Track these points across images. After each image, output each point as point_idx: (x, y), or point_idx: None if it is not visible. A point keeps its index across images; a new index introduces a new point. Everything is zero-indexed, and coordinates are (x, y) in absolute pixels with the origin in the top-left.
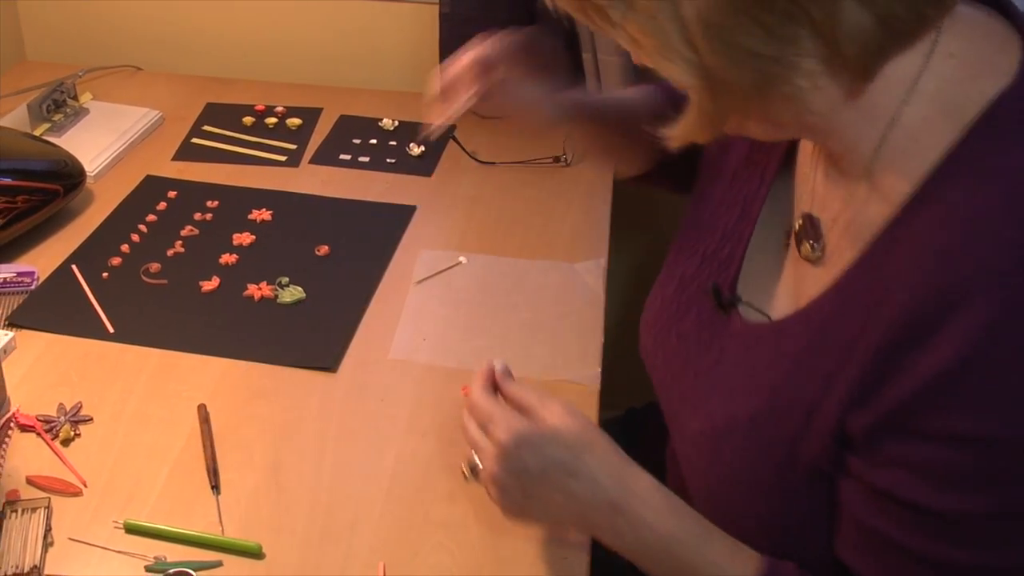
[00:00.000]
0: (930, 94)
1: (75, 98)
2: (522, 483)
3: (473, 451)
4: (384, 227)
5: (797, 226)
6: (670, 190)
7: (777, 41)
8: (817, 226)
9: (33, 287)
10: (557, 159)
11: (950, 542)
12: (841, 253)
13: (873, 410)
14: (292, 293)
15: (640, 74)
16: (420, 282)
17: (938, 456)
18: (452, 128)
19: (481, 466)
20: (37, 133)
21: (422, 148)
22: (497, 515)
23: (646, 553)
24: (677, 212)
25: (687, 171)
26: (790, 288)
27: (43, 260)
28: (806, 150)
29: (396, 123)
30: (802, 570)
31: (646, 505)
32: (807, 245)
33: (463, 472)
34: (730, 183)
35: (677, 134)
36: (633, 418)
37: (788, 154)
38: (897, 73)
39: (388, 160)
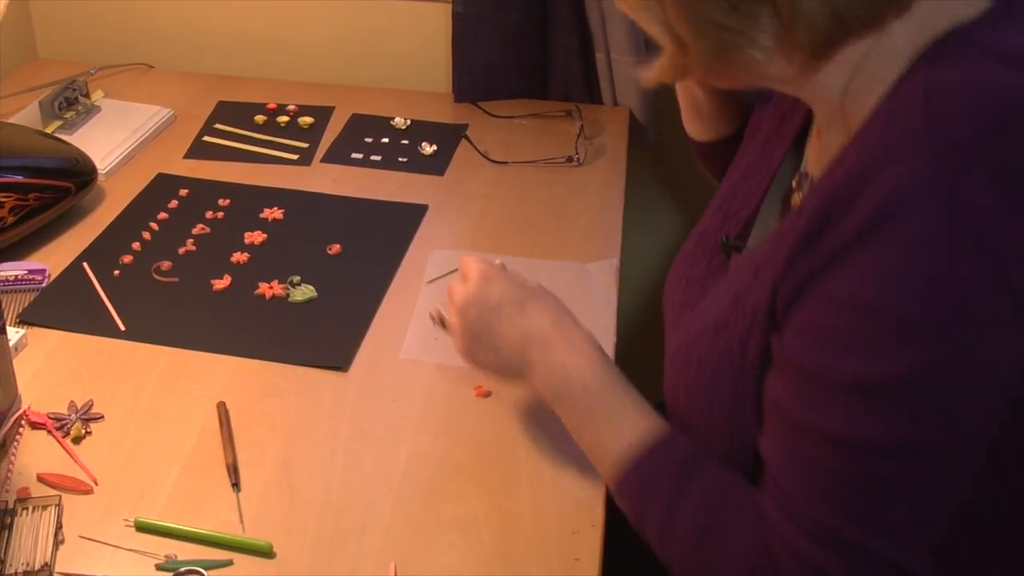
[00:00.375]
0: (891, 42)
1: (87, 96)
2: (479, 312)
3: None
4: (396, 226)
5: (794, 184)
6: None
7: (738, 16)
8: (807, 180)
9: (44, 285)
10: (570, 159)
11: (819, 407)
12: None
13: (789, 284)
14: (304, 292)
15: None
16: (432, 281)
17: (822, 318)
18: (465, 127)
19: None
20: (49, 131)
21: (434, 147)
22: (509, 516)
23: (563, 392)
24: (691, 212)
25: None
26: None
27: (54, 258)
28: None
29: (408, 122)
30: (699, 449)
31: (574, 349)
32: (797, 195)
33: (431, 317)
34: (761, 150)
35: (652, 75)
36: None
37: (808, 120)
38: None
39: (400, 159)
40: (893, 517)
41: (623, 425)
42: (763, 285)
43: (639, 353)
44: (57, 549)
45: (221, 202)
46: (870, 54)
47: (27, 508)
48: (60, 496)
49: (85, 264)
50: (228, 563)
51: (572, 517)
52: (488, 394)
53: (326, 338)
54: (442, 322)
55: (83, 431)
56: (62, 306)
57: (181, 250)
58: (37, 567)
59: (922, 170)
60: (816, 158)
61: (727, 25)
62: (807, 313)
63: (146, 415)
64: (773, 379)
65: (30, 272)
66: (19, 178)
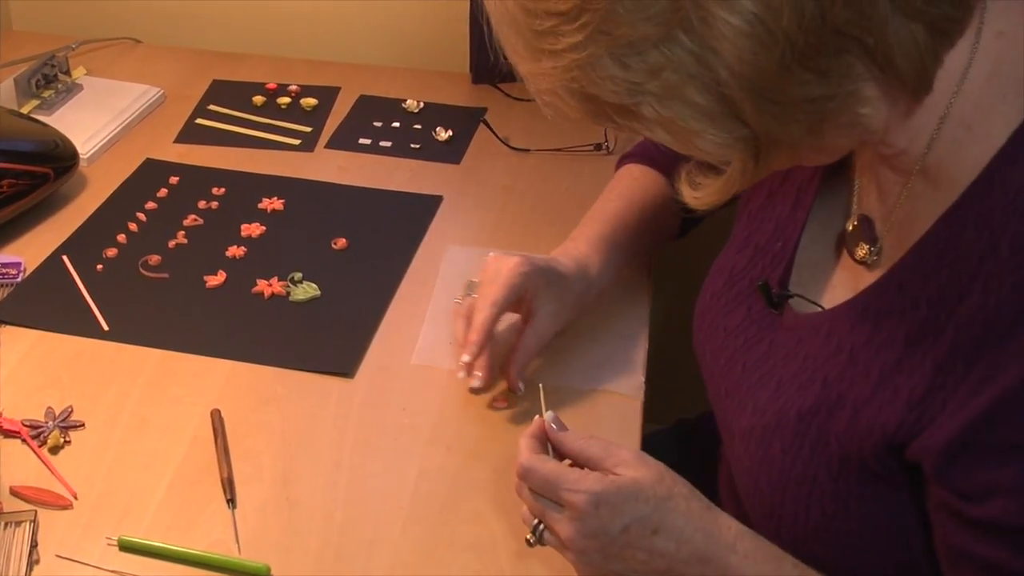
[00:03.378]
0: (983, 80)
1: (67, 73)
2: (601, 544)
3: (535, 517)
4: (407, 219)
5: (851, 227)
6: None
7: (830, 79)
8: (872, 228)
9: (19, 279)
10: (598, 146)
11: None
12: (896, 251)
13: (948, 423)
14: (305, 290)
15: None
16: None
17: None
18: (483, 111)
19: (547, 531)
20: (25, 111)
21: (449, 133)
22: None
23: None
24: (725, 208)
25: None
26: (847, 288)
27: (31, 250)
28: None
29: (421, 105)
30: None
31: (734, 552)
32: (863, 248)
33: (527, 539)
34: (784, 174)
35: (709, 199)
36: (683, 430)
37: None
38: (946, 67)
39: (412, 145)
40: None
41: None
42: (868, 384)
43: (675, 361)
44: (32, 569)
45: (215, 191)
46: (958, 97)
47: None
48: (35, 511)
49: (65, 257)
50: None
51: None
52: (507, 404)
53: (330, 341)
54: (539, 538)
55: (61, 440)
56: (39, 303)
57: (171, 243)
58: None
59: None
60: (877, 199)
61: (821, 95)
62: (999, 469)
63: (131, 423)
64: (967, 534)
65: (4, 266)
66: None
